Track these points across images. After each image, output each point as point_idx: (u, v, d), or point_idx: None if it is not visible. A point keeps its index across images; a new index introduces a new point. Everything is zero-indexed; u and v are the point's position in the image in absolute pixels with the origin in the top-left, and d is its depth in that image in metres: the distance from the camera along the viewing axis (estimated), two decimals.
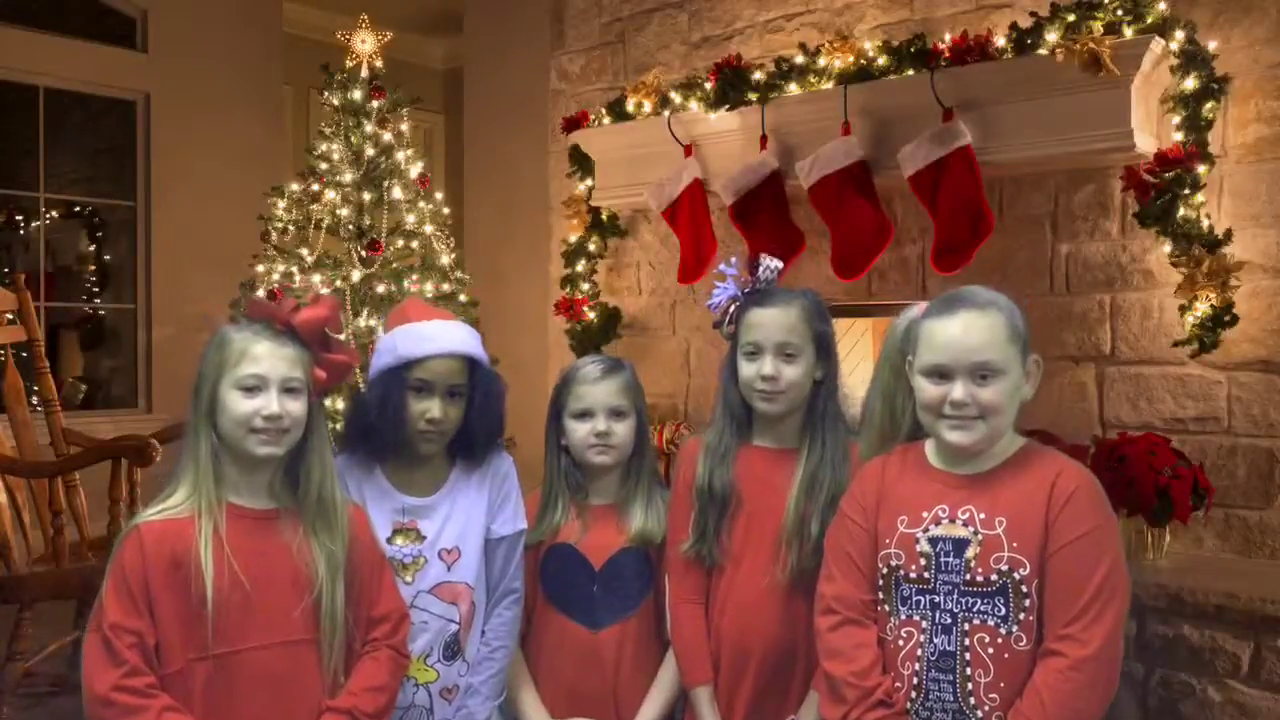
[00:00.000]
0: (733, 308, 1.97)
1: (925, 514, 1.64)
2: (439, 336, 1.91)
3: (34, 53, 5.08)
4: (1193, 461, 2.69)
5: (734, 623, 1.93)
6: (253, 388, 1.63)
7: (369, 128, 3.87)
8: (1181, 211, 2.71)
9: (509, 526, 2.00)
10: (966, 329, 1.60)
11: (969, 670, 1.56)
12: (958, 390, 1.59)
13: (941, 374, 1.62)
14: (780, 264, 1.99)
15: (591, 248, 4.08)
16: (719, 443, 1.98)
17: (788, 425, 1.96)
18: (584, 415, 2.01)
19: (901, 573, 1.64)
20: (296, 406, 1.66)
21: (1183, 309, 2.75)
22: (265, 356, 1.64)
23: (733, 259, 2.02)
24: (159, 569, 1.57)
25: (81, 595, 3.32)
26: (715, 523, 1.94)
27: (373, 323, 3.68)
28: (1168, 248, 2.77)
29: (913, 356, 1.68)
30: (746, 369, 1.92)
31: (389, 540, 1.90)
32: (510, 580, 2.00)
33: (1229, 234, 2.71)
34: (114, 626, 1.55)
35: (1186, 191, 2.70)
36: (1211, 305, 2.68)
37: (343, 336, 3.65)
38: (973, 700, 1.56)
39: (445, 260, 3.93)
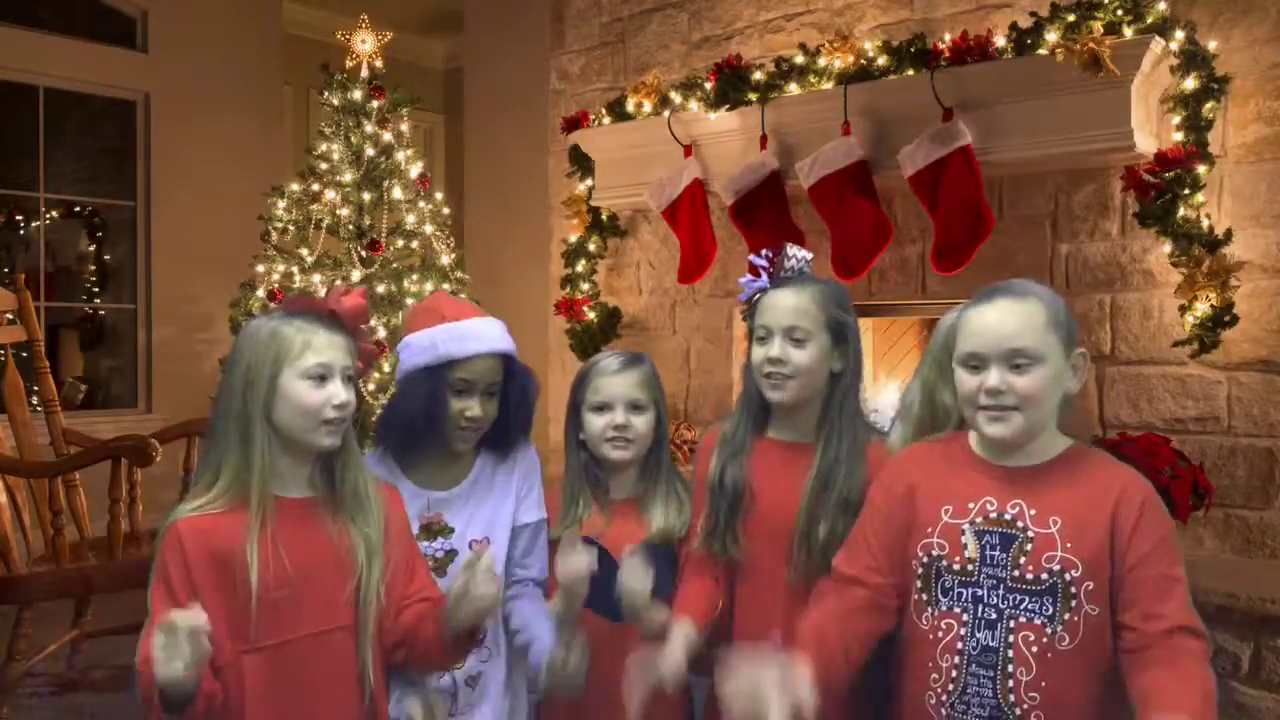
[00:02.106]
0: (758, 297, 1.93)
1: (972, 505, 1.61)
2: (482, 335, 1.90)
3: (34, 53, 5.08)
4: (1193, 461, 2.70)
5: (751, 622, 1.90)
6: (321, 376, 1.62)
7: (369, 128, 3.87)
8: (1181, 211, 2.71)
9: (531, 515, 1.99)
10: (1002, 315, 1.58)
11: (1011, 668, 1.54)
12: (992, 377, 1.56)
13: (977, 362, 1.59)
14: (809, 255, 1.94)
15: (591, 248, 4.08)
16: (734, 434, 1.94)
17: (804, 417, 1.91)
18: (602, 408, 1.99)
19: (944, 563, 1.61)
20: (352, 395, 1.66)
21: (1183, 309, 2.75)
22: (326, 346, 1.63)
23: (765, 251, 1.95)
24: (201, 565, 1.56)
25: (81, 595, 3.32)
26: (727, 517, 1.90)
27: (373, 322, 3.69)
28: (1168, 248, 2.77)
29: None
30: (756, 352, 1.89)
31: (419, 537, 1.89)
32: (536, 572, 1.98)
33: (1229, 234, 2.71)
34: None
35: (1186, 191, 2.70)
36: (1211, 305, 2.68)
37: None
38: (1012, 698, 1.53)
39: (445, 260, 3.94)
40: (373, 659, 1.67)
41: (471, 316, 1.93)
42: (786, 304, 1.87)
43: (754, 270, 1.95)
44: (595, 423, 1.99)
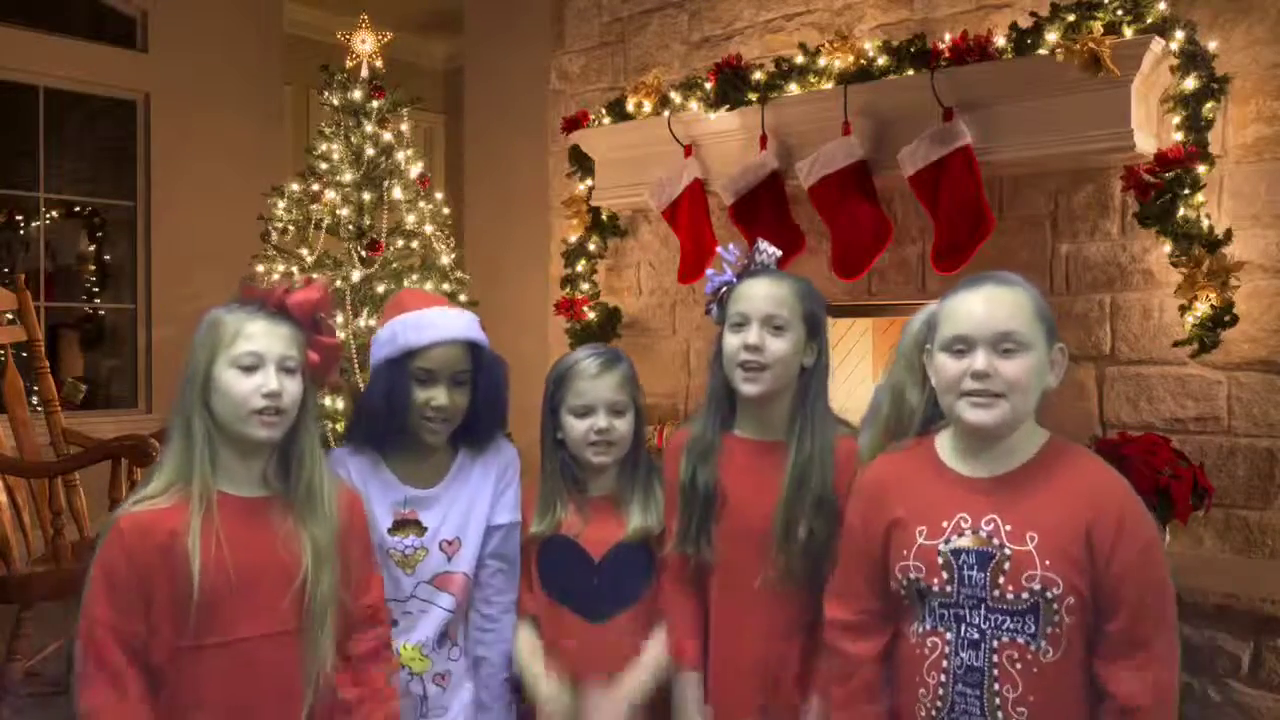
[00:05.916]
0: (724, 290, 1.91)
1: (945, 524, 1.58)
2: (439, 323, 1.91)
3: (34, 53, 5.08)
4: (1193, 461, 2.70)
5: (726, 621, 1.90)
6: (250, 366, 1.60)
7: (369, 128, 3.86)
8: (1181, 211, 2.71)
9: (505, 516, 2.00)
10: (990, 299, 1.56)
11: (997, 686, 1.53)
12: (980, 360, 1.53)
13: (963, 345, 1.56)
14: (779, 251, 1.92)
15: (591, 248, 4.08)
16: (702, 435, 1.92)
17: (772, 414, 1.88)
18: (584, 412, 1.96)
19: (923, 584, 1.59)
20: (293, 386, 1.63)
21: (1183, 309, 2.75)
22: (261, 334, 1.62)
23: (731, 245, 1.95)
24: (145, 560, 1.54)
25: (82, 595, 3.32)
26: (700, 520, 1.88)
27: (373, 322, 3.68)
28: (1168, 248, 2.77)
29: (931, 345, 1.63)
30: (731, 340, 1.85)
31: (390, 532, 1.89)
32: (508, 601, 2.00)
33: (1229, 234, 2.71)
34: (100, 624, 1.53)
35: (1186, 191, 2.70)
36: (1211, 305, 2.68)
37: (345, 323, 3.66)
38: (1000, 715, 1.52)
39: (445, 260, 3.93)
40: (324, 666, 1.62)
41: (432, 307, 1.94)
42: (766, 292, 1.85)
43: (723, 264, 1.94)
44: (577, 427, 1.97)
